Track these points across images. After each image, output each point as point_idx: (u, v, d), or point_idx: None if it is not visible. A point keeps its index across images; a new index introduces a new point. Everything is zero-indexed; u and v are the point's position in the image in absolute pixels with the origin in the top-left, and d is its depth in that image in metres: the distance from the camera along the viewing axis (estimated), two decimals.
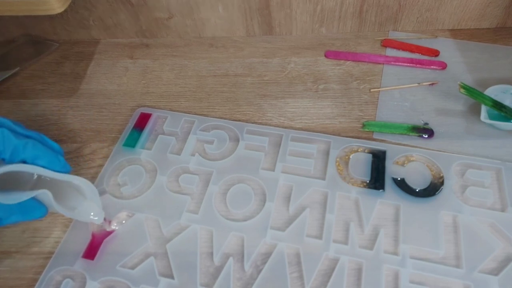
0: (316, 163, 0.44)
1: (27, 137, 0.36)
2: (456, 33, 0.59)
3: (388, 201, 0.41)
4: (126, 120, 0.51)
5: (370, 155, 0.44)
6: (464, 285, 0.35)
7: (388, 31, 0.60)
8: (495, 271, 0.36)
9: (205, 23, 0.60)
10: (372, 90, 0.52)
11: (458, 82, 0.46)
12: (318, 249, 0.38)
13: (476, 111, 0.47)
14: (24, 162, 0.35)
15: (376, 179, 0.42)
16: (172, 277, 0.37)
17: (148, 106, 0.52)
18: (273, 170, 0.44)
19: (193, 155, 0.46)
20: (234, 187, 0.43)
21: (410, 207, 0.40)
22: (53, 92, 0.56)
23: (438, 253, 0.37)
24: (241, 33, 0.61)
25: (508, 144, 0.45)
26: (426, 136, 0.46)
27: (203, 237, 0.40)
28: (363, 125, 0.48)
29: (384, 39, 0.59)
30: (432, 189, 0.41)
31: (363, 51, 0.58)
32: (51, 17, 0.59)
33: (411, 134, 0.46)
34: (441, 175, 0.42)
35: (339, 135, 0.47)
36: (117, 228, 0.41)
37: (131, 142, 0.47)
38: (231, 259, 0.38)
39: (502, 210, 0.40)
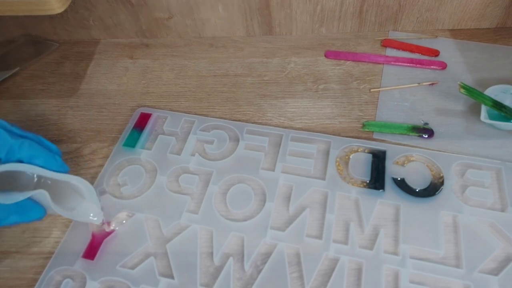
0: (316, 163, 0.44)
1: (24, 137, 0.36)
2: (456, 33, 0.59)
3: (388, 201, 0.41)
4: (126, 120, 0.51)
5: (370, 155, 0.44)
6: (464, 285, 0.35)
7: (388, 31, 0.60)
8: (495, 271, 0.36)
9: (205, 23, 0.60)
10: (372, 90, 0.52)
11: (458, 82, 0.46)
12: (318, 249, 0.38)
13: (476, 111, 0.47)
14: (21, 162, 0.35)
15: (376, 179, 0.42)
16: (172, 277, 0.37)
17: (148, 106, 0.52)
18: (273, 170, 0.44)
19: (193, 155, 0.46)
20: (234, 187, 0.43)
21: (410, 207, 0.40)
22: (53, 92, 0.56)
23: (438, 253, 0.37)
24: (241, 33, 0.61)
25: (508, 144, 0.45)
26: (426, 136, 0.46)
27: (203, 237, 0.40)
28: (363, 125, 0.48)
29: (384, 39, 0.59)
30: (432, 189, 0.41)
31: (363, 51, 0.58)
32: (51, 17, 0.59)
33: (411, 134, 0.46)
34: (441, 175, 0.42)
35: (339, 135, 0.47)
36: (117, 228, 0.41)
37: (131, 142, 0.47)
38: (231, 259, 0.38)
39: (502, 210, 0.40)
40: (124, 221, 0.41)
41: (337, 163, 0.44)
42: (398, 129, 0.47)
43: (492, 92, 0.47)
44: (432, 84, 0.52)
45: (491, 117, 0.46)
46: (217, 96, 0.53)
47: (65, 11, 0.46)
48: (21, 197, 0.33)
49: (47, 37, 0.64)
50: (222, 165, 0.45)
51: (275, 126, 0.48)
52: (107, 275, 0.37)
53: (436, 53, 0.56)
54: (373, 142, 0.46)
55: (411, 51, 0.56)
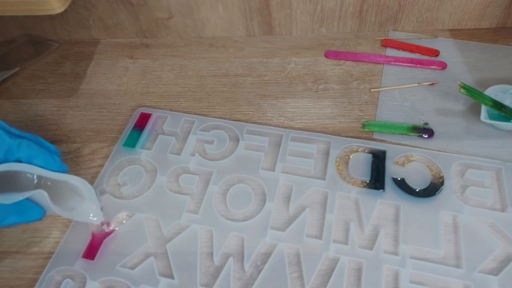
0: (316, 163, 0.44)
1: (22, 138, 0.36)
2: (456, 33, 0.59)
3: (388, 201, 0.41)
4: (126, 120, 0.51)
5: (370, 155, 0.44)
6: (464, 285, 0.35)
7: (388, 31, 0.60)
8: (495, 271, 0.36)
9: (205, 23, 0.60)
10: (372, 90, 0.52)
11: (458, 82, 0.46)
12: (318, 249, 0.38)
13: (476, 111, 0.47)
14: (20, 162, 0.35)
15: (376, 179, 0.42)
16: (172, 277, 0.37)
17: (148, 106, 0.52)
18: (273, 170, 0.44)
19: (193, 155, 0.46)
20: (234, 187, 0.43)
21: (410, 207, 0.40)
22: (53, 92, 0.56)
23: (438, 253, 0.37)
24: (241, 33, 0.61)
25: (508, 144, 0.45)
26: (426, 136, 0.46)
27: (203, 237, 0.40)
28: (363, 125, 0.48)
29: (384, 39, 0.59)
30: (432, 189, 0.41)
31: (363, 51, 0.58)
32: (51, 17, 0.59)
33: (411, 134, 0.46)
34: (441, 175, 0.42)
35: (339, 135, 0.47)
36: (117, 228, 0.41)
37: (131, 142, 0.47)
38: (231, 259, 0.38)
39: (502, 210, 0.40)
40: (124, 221, 0.41)
41: (337, 163, 0.44)
42: (398, 129, 0.47)
43: (492, 92, 0.47)
44: (432, 84, 0.52)
45: (491, 117, 0.46)
46: (217, 96, 0.53)
47: (65, 11, 0.46)
48: (19, 197, 0.33)
49: (47, 37, 0.64)
50: (222, 165, 0.45)
51: (275, 126, 0.48)
52: (107, 275, 0.37)
53: (436, 53, 0.56)
54: (373, 142, 0.46)
55: (411, 51, 0.56)
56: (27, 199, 0.34)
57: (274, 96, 0.53)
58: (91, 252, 0.39)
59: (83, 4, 0.57)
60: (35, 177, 0.37)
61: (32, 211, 0.35)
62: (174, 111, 0.51)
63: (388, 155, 0.44)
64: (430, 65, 0.54)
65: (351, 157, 0.44)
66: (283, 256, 0.38)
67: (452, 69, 0.54)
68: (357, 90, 0.52)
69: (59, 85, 0.57)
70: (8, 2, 0.44)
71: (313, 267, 0.37)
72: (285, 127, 0.48)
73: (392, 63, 0.55)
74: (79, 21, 0.60)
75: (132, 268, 0.38)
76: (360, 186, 0.42)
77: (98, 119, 0.52)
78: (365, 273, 0.36)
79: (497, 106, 0.45)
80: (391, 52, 0.57)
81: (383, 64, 0.56)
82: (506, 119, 0.46)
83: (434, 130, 0.47)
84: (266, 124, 0.49)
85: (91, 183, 0.44)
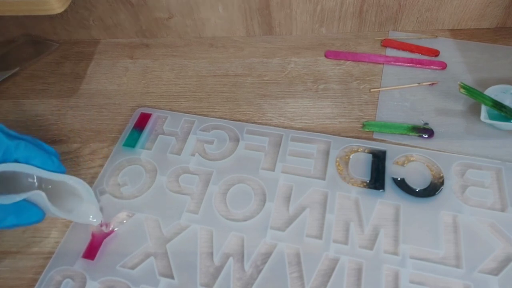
0: (316, 163, 0.44)
1: (20, 139, 0.36)
2: (456, 33, 0.59)
3: (388, 201, 0.41)
4: (126, 120, 0.51)
5: (370, 155, 0.44)
6: (464, 285, 0.35)
7: (388, 31, 0.60)
8: (495, 271, 0.36)
9: (205, 23, 0.60)
10: (372, 90, 0.52)
11: (458, 82, 0.46)
12: (318, 249, 0.38)
13: (476, 111, 0.47)
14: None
15: (376, 179, 0.42)
16: (172, 277, 0.37)
17: (148, 106, 0.52)
18: (273, 170, 0.44)
19: (193, 155, 0.46)
20: (234, 187, 0.43)
21: (410, 207, 0.40)
22: (53, 92, 0.56)
23: (438, 253, 0.37)
24: (241, 33, 0.61)
25: (508, 144, 0.45)
26: (426, 136, 0.46)
27: (203, 237, 0.40)
28: (363, 125, 0.48)
29: (384, 39, 0.59)
30: (432, 189, 0.41)
31: (363, 51, 0.58)
32: (51, 17, 0.59)
33: (411, 134, 0.46)
34: (441, 175, 0.42)
35: (339, 135, 0.47)
36: (117, 228, 0.41)
37: (131, 142, 0.47)
38: (231, 259, 0.38)
39: (502, 210, 0.40)
40: (124, 221, 0.41)
41: (337, 163, 0.44)
42: (398, 129, 0.47)
43: (492, 92, 0.47)
44: (432, 84, 0.52)
45: (491, 117, 0.46)
46: (217, 96, 0.53)
47: (65, 11, 0.46)
48: (17, 198, 0.33)
49: (47, 37, 0.64)
50: (222, 165, 0.45)
51: (275, 126, 0.48)
52: (107, 275, 0.37)
53: (436, 53, 0.56)
54: (373, 142, 0.46)
55: (411, 51, 0.56)
56: (26, 201, 0.34)
57: (274, 96, 0.53)
58: (91, 252, 0.39)
59: (83, 4, 0.57)
60: (35, 180, 0.37)
61: (31, 213, 0.35)
62: (174, 111, 0.51)
63: (388, 155, 0.44)
64: (430, 65, 0.54)
65: (351, 157, 0.44)
66: (283, 256, 0.38)
67: (452, 69, 0.54)
68: (357, 90, 0.52)
69: (59, 85, 0.57)
70: (8, 2, 0.44)
71: (313, 267, 0.37)
72: (285, 127, 0.48)
73: (392, 63, 0.55)
74: (79, 21, 0.60)
75: (132, 268, 0.38)
76: (360, 186, 0.42)
77: (98, 119, 0.52)
78: (365, 273, 0.36)
79: (497, 106, 0.45)
80: (391, 52, 0.57)
81: (383, 64, 0.56)
82: (506, 119, 0.46)
83: (434, 130, 0.47)
84: (266, 124, 0.49)
85: (91, 183, 0.44)
